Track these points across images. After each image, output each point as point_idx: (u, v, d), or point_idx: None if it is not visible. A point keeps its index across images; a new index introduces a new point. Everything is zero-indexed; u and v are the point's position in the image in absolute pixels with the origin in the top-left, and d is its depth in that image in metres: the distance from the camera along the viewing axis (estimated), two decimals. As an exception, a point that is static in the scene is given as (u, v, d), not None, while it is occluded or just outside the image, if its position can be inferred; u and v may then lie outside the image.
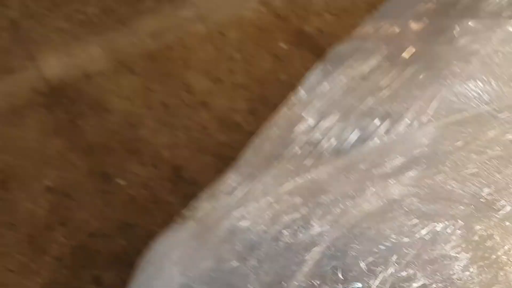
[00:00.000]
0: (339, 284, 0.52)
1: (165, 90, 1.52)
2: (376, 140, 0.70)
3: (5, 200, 1.26)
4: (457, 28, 0.82)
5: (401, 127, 0.70)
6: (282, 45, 1.67)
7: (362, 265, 0.53)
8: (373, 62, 0.86)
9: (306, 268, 0.54)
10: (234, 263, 0.58)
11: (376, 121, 0.72)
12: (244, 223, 0.63)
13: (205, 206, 0.78)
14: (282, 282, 0.54)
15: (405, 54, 0.85)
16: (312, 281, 0.53)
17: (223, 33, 1.68)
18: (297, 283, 0.53)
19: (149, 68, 1.56)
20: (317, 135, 0.77)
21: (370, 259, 0.53)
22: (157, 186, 1.33)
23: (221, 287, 0.59)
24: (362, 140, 0.71)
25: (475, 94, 0.70)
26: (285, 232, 0.59)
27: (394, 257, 0.52)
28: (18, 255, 1.19)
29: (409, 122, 0.71)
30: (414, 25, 0.93)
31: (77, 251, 1.21)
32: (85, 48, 1.57)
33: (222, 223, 0.66)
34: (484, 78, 0.72)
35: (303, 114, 0.82)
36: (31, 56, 1.53)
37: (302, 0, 1.80)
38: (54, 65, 1.52)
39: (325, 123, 0.77)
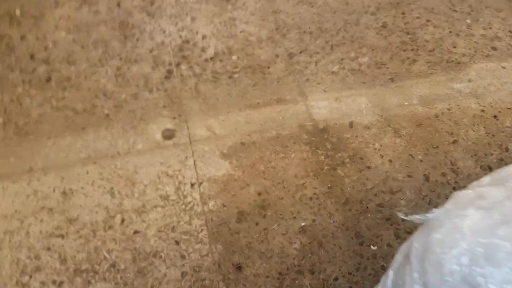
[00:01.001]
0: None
1: (428, 162, 1.43)
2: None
3: (261, 226, 1.29)
4: None
5: None
6: None
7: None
8: None
9: None
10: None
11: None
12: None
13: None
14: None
15: None
16: None
17: (497, 118, 1.54)
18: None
19: (414, 134, 1.49)
20: None
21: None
22: (406, 264, 1.23)
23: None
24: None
25: None
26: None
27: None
28: None
29: None
30: None
31: (321, 305, 1.17)
32: (354, 98, 1.57)
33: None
34: None
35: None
36: (302, 92, 1.57)
37: None
38: (322, 107, 1.54)
39: None
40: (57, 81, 1.53)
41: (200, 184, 1.36)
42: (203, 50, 1.66)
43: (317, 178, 1.39)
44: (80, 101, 1.49)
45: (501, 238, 0.58)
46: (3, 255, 1.21)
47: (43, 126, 1.43)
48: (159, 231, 1.27)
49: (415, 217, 0.82)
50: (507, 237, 0.58)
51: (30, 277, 1.19)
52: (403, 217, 1.23)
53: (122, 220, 1.28)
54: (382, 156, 1.44)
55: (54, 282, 1.19)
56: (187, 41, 1.67)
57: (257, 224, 1.29)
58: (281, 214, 1.31)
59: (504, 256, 0.57)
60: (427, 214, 0.82)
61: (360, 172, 1.41)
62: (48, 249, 1.23)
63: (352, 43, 1.72)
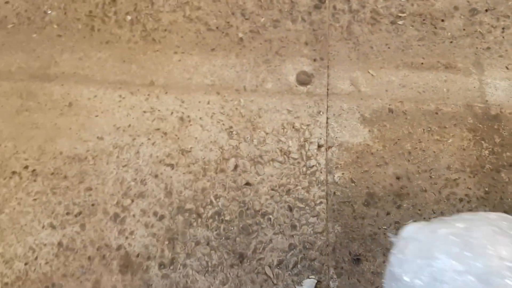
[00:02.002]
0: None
1: None
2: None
3: (392, 217, 1.08)
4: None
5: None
6: None
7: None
8: None
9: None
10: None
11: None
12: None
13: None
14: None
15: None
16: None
17: None
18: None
19: None
20: None
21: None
22: None
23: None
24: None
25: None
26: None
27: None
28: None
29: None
30: None
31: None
32: (548, 85, 1.21)
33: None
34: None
35: None
36: (479, 62, 1.24)
37: None
38: (500, 88, 1.21)
39: None
40: (194, -14, 1.33)
41: (328, 148, 1.15)
42: (365, -18, 1.34)
43: (474, 177, 1.11)
44: (215, 15, 1.29)
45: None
46: (109, 170, 1.13)
47: (171, 37, 1.27)
48: (273, 189, 1.11)
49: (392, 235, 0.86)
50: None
51: (132, 201, 1.11)
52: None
53: (236, 166, 1.13)
54: None
55: (155, 213, 1.09)
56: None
57: (388, 214, 1.08)
58: (419, 210, 1.08)
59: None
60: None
61: (531, 184, 1.10)
62: (156, 176, 1.13)
63: (560, 12, 1.30)
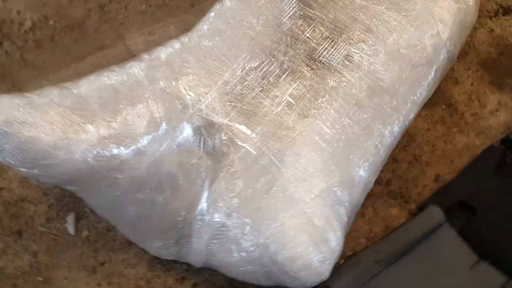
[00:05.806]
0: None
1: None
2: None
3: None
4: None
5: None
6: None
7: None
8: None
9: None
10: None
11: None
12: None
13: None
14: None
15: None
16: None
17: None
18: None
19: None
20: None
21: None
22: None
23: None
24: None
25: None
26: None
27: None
28: None
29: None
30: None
31: None
32: (164, 29, 1.83)
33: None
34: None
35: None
36: (120, 35, 1.81)
37: None
38: (139, 43, 1.79)
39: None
40: None
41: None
42: (21, 24, 1.80)
43: (146, 101, 1.66)
44: None
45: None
46: None
47: None
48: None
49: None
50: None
51: None
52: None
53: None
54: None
55: None
56: (4, 21, 1.80)
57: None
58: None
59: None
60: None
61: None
62: None
63: (151, -18, 1.95)
